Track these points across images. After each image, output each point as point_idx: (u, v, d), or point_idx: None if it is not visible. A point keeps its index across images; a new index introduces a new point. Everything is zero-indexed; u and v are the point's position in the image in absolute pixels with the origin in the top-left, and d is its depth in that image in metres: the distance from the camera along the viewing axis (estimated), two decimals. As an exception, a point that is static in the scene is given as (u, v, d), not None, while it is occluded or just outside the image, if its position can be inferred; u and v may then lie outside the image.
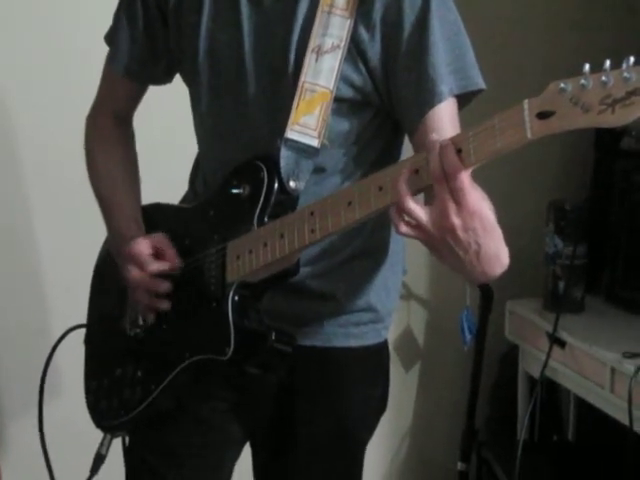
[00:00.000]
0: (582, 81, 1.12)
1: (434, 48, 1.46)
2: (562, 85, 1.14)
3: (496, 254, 1.28)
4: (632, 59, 1.09)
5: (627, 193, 2.66)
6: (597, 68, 1.12)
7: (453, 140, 1.22)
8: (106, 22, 1.75)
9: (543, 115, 1.15)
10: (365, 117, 1.55)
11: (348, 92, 1.51)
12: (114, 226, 1.70)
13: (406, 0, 1.46)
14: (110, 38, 1.73)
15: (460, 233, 1.23)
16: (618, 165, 2.69)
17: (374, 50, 1.49)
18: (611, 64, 1.11)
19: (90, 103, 1.81)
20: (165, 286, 1.59)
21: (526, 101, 1.17)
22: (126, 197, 1.72)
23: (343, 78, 1.50)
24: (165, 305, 1.60)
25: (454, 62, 1.48)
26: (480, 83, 1.50)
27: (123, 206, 1.70)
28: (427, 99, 1.46)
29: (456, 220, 1.22)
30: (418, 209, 1.24)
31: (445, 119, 1.46)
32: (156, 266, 1.58)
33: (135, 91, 1.78)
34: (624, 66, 1.09)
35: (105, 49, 1.75)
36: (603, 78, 1.10)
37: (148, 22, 1.67)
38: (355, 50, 1.49)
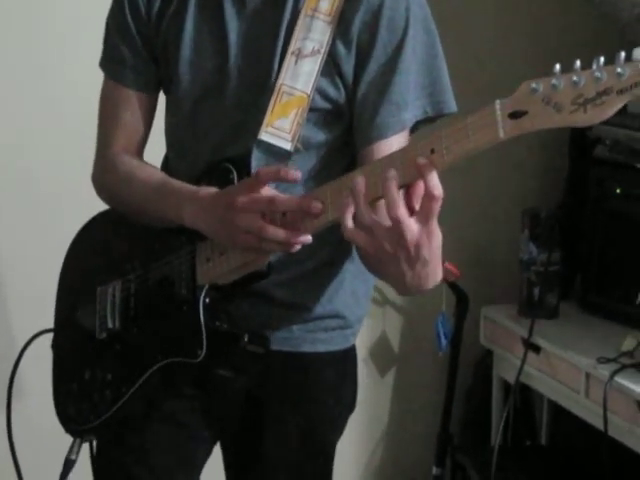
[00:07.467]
0: (553, 81, 1.14)
1: (405, 74, 1.49)
2: (533, 85, 1.16)
3: (434, 271, 1.30)
4: (602, 59, 1.11)
5: (600, 201, 2.68)
6: (568, 68, 1.14)
7: (426, 141, 1.23)
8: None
9: (515, 115, 1.17)
10: (337, 128, 1.55)
11: (322, 103, 1.52)
12: (175, 188, 1.54)
13: (384, 20, 1.48)
14: (106, 63, 1.68)
15: (412, 248, 1.24)
16: (592, 173, 2.71)
17: (349, 65, 1.50)
18: (581, 64, 1.12)
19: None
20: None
21: (497, 101, 1.18)
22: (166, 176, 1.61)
23: (318, 89, 1.50)
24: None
25: (429, 85, 1.51)
26: (453, 107, 1.54)
27: (168, 178, 1.59)
28: (389, 123, 1.49)
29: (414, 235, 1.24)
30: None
31: (396, 147, 1.44)
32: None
33: (144, 105, 1.67)
34: (594, 66, 1.11)
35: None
36: (574, 78, 1.12)
37: (140, 37, 1.62)
38: (332, 63, 1.50)
